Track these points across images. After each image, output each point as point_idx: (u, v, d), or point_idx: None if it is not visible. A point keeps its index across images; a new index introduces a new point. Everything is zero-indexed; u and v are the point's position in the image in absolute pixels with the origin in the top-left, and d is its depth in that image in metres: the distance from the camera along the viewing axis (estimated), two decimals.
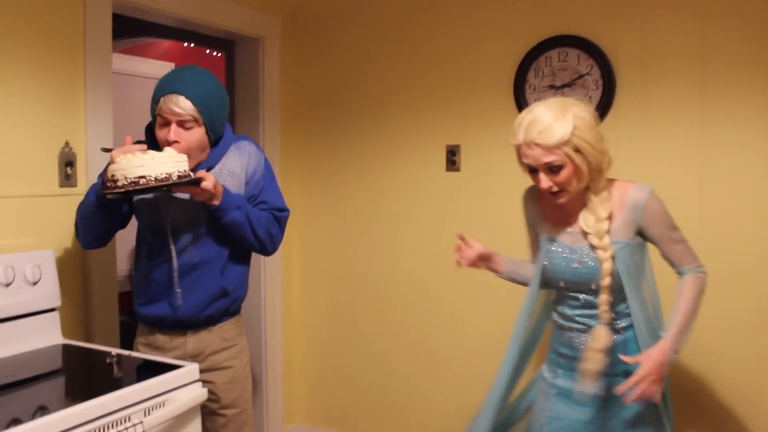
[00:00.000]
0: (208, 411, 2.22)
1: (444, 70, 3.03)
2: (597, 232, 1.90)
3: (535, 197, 2.10)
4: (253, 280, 3.25)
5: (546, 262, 2.03)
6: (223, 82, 3.34)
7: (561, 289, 2.03)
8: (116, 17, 2.54)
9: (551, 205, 2.02)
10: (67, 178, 2.33)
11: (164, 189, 1.93)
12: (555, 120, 1.81)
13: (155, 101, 2.06)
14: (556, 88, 2.72)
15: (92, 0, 2.37)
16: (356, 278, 3.33)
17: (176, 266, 2.14)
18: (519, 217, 2.89)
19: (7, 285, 2.05)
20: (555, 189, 1.88)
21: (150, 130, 2.15)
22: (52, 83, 2.30)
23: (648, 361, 1.84)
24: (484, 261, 2.17)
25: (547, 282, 2.06)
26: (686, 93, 2.50)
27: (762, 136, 2.40)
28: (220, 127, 2.16)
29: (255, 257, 3.16)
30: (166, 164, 1.91)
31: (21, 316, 2.09)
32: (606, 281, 1.89)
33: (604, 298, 1.91)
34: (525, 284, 2.19)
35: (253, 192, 2.22)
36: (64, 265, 2.33)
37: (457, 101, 3.00)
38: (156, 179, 1.88)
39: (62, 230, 2.34)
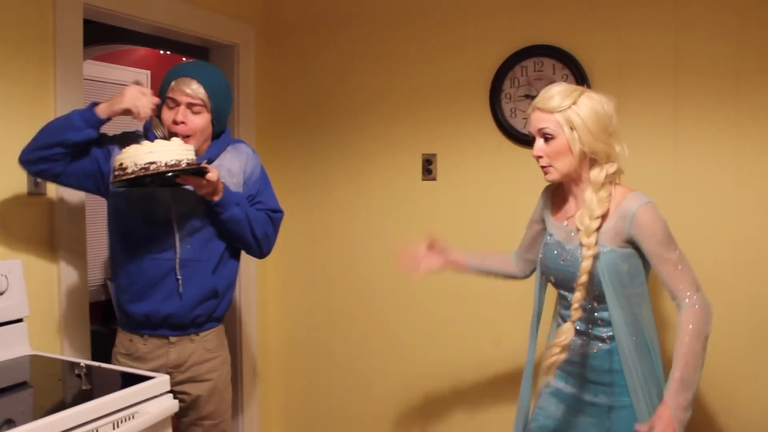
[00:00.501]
0: (185, 422, 2.19)
1: (420, 79, 3.03)
2: (586, 229, 1.86)
3: (552, 189, 2.11)
4: None
5: (541, 255, 2.04)
6: None
7: (555, 287, 2.03)
8: (90, 24, 2.51)
9: (560, 198, 2.03)
10: (36, 186, 2.28)
11: (170, 177, 1.94)
12: (560, 92, 1.86)
13: (167, 85, 2.10)
14: (532, 98, 2.72)
15: (62, 5, 2.33)
16: (332, 287, 3.30)
17: (180, 256, 2.11)
18: (495, 225, 2.91)
19: None
20: (543, 162, 1.90)
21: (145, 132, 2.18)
22: (20, 90, 2.25)
23: (659, 423, 1.72)
24: (442, 259, 2.20)
25: (544, 277, 2.07)
26: (661, 104, 2.53)
27: (733, 147, 2.43)
28: (224, 121, 2.21)
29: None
30: (176, 151, 1.93)
31: None
32: (582, 279, 1.85)
33: (577, 295, 1.87)
34: (496, 275, 2.23)
35: (250, 192, 2.24)
36: (33, 274, 2.28)
37: (433, 110, 3.00)
38: (166, 164, 1.89)
39: (31, 238, 2.29)
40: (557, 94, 1.86)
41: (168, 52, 4.94)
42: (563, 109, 1.84)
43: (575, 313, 1.88)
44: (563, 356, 1.88)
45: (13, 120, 2.22)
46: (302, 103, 3.33)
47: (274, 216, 2.31)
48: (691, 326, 1.77)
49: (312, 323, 3.38)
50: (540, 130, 1.89)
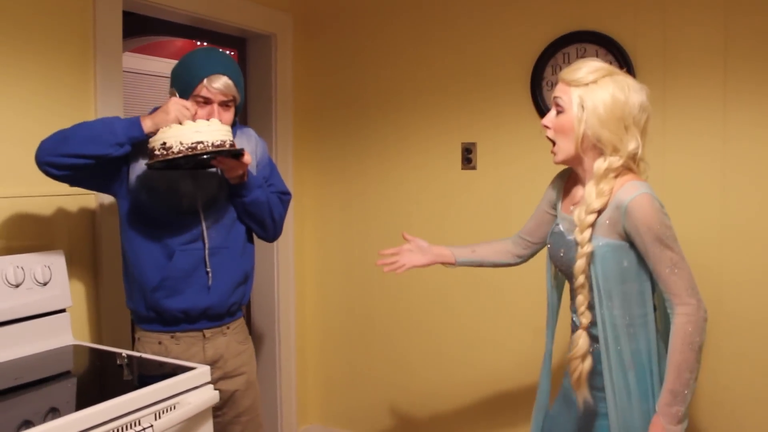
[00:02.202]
0: (221, 422, 2.15)
1: (460, 67, 2.98)
2: (580, 224, 1.73)
3: (566, 176, 1.98)
4: (266, 278, 3.25)
5: (548, 245, 1.95)
6: None
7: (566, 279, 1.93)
8: (128, 15, 2.51)
9: (571, 186, 1.91)
10: None
11: (206, 158, 1.91)
12: (588, 67, 1.74)
13: (196, 82, 2.02)
14: None
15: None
16: (370, 276, 3.28)
17: (208, 245, 2.07)
18: None
19: (17, 286, 2.02)
20: (550, 134, 1.80)
21: None
22: (61, 83, 2.27)
23: None
24: (427, 256, 2.14)
25: (555, 268, 1.97)
26: (708, 88, 2.45)
27: None
28: (241, 109, 2.17)
29: (267, 251, 3.20)
30: (221, 132, 1.90)
31: (31, 317, 2.06)
32: (579, 280, 1.74)
33: (580, 299, 1.77)
34: (488, 266, 2.16)
35: (263, 175, 2.22)
36: (74, 265, 2.31)
37: (472, 98, 2.95)
38: (213, 145, 1.86)
39: (73, 231, 2.31)
40: (584, 68, 1.74)
41: (205, 44, 4.97)
42: (581, 84, 1.72)
43: (584, 318, 1.77)
44: (587, 365, 1.78)
45: (53, 113, 2.24)
46: (339, 92, 3.31)
47: (284, 198, 2.30)
48: (684, 336, 1.63)
49: (350, 313, 3.37)
50: (554, 98, 1.79)
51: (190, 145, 1.83)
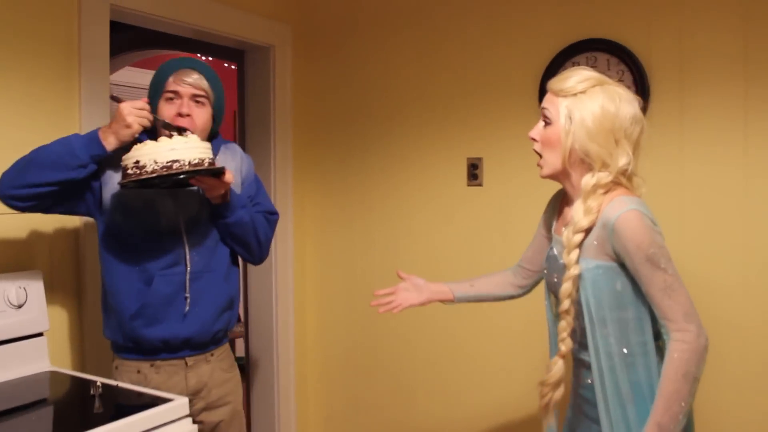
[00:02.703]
0: None
1: (464, 79, 2.85)
2: (568, 245, 1.61)
3: (561, 194, 1.86)
4: (263, 301, 3.12)
5: (544, 269, 1.82)
6: (235, 94, 3.22)
7: None
8: (129, 29, 2.41)
9: (565, 205, 1.78)
10: None
11: (184, 177, 1.77)
12: (578, 77, 1.62)
13: (162, 81, 1.93)
14: None
15: (88, 6, 2.24)
16: (373, 297, 3.14)
17: (190, 269, 1.93)
18: None
19: None
20: (537, 147, 1.69)
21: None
22: (42, 96, 2.16)
23: None
24: (424, 294, 2.01)
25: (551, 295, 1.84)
26: (728, 97, 2.29)
27: None
28: (220, 118, 2.05)
29: (264, 273, 3.08)
30: (198, 149, 1.76)
31: (5, 341, 1.95)
32: (564, 304, 1.62)
33: (562, 324, 1.65)
34: (490, 300, 2.03)
35: (248, 194, 2.09)
36: (55, 287, 2.19)
37: (479, 112, 2.82)
38: (190, 164, 1.72)
39: (54, 250, 2.20)
40: (574, 77, 1.62)
41: (209, 57, 4.90)
42: (569, 94, 1.61)
43: (563, 345, 1.66)
44: (558, 394, 1.68)
45: (33, 129, 2.12)
46: (341, 106, 3.19)
47: (271, 218, 2.17)
48: (678, 364, 1.49)
49: (353, 341, 3.22)
50: (541, 109, 1.68)
51: (164, 164, 1.70)
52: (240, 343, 4.63)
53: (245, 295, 3.22)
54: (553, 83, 1.66)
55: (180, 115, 1.91)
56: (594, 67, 2.48)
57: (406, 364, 3.07)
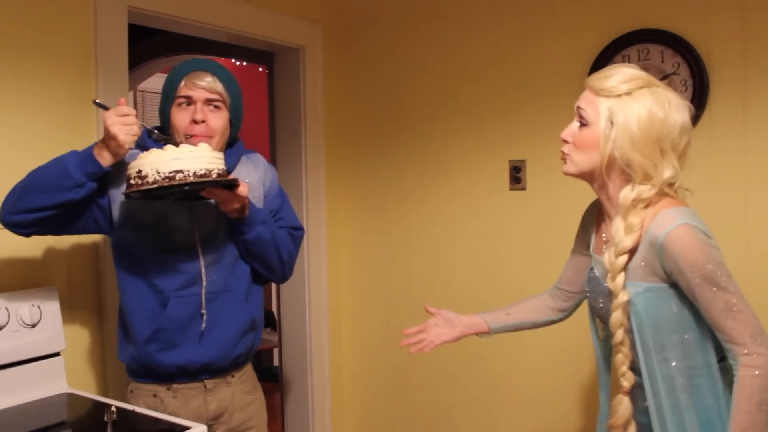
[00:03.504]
0: None
1: (505, 76, 2.67)
2: (612, 269, 1.45)
3: (597, 206, 1.68)
4: (297, 318, 2.99)
5: (587, 292, 1.64)
6: (265, 98, 3.10)
7: None
8: (160, 34, 2.31)
9: (602, 219, 1.61)
10: None
11: (194, 189, 1.64)
12: (622, 75, 1.45)
13: (174, 85, 1.79)
14: None
15: (104, 7, 2.14)
16: (412, 309, 2.98)
17: (207, 289, 1.79)
18: None
19: (0, 328, 1.81)
20: (566, 149, 1.52)
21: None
22: (58, 104, 2.07)
23: None
24: (457, 329, 1.82)
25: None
26: None
27: None
28: (239, 124, 1.90)
29: (297, 288, 2.95)
30: (206, 159, 1.61)
31: (17, 363, 1.85)
32: (618, 336, 1.46)
33: (620, 357, 1.49)
34: (529, 328, 1.85)
35: (271, 208, 1.94)
36: (75, 305, 2.10)
37: (521, 111, 2.64)
38: (195, 174, 1.58)
39: (73, 267, 2.10)
40: (617, 75, 1.45)
41: (244, 63, 4.81)
42: (612, 94, 1.43)
43: (625, 381, 1.50)
44: None
45: (49, 136, 2.03)
46: (375, 108, 3.04)
47: (296, 234, 2.00)
48: (751, 392, 1.34)
49: (390, 351, 3.06)
50: (577, 108, 1.50)
51: (167, 174, 1.57)
52: (276, 352, 4.54)
53: (278, 307, 3.10)
54: (594, 80, 1.48)
55: (194, 122, 1.77)
56: (646, 60, 2.31)
57: (444, 382, 2.90)
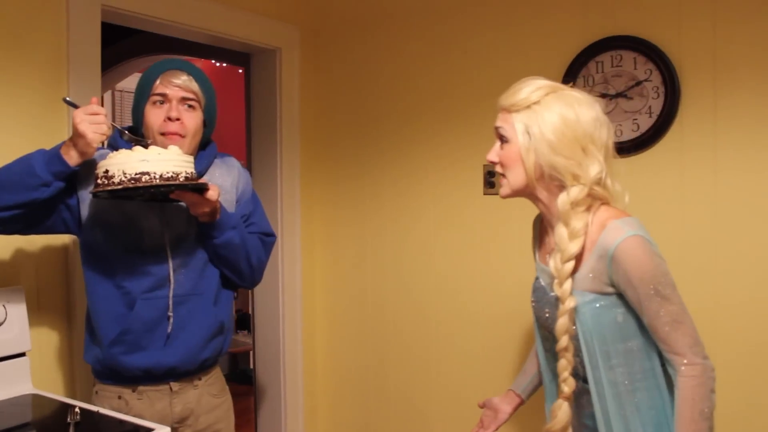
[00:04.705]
0: None
1: (480, 82, 2.68)
2: (559, 275, 1.46)
3: (539, 218, 1.72)
4: (271, 323, 2.97)
5: (532, 302, 1.66)
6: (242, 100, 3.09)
7: None
8: (138, 33, 2.29)
9: (544, 230, 1.64)
10: None
11: (162, 191, 1.63)
12: (527, 87, 1.50)
13: (149, 83, 1.78)
14: (610, 98, 2.34)
15: (77, 6, 2.12)
16: (386, 315, 2.98)
17: (174, 292, 1.78)
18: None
19: None
20: (498, 169, 1.55)
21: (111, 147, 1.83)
22: (31, 100, 2.05)
23: None
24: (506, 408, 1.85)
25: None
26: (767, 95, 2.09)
27: None
28: (212, 125, 1.89)
29: (271, 291, 2.94)
30: (173, 162, 1.61)
31: None
32: (562, 342, 1.48)
33: (563, 363, 1.51)
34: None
35: (243, 212, 1.93)
36: (43, 305, 2.08)
37: (495, 115, 2.63)
38: (161, 177, 1.57)
39: (42, 267, 2.08)
40: (523, 88, 1.50)
41: (224, 64, 4.79)
42: (521, 108, 1.48)
43: (566, 386, 1.51)
44: None
45: (22, 135, 2.02)
46: (351, 111, 3.04)
47: (267, 240, 2.00)
48: (693, 403, 1.39)
49: (364, 357, 3.06)
50: (496, 129, 1.55)
51: (133, 176, 1.56)
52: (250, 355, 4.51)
53: (252, 310, 3.09)
54: (503, 99, 1.54)
55: (169, 119, 1.76)
56: (619, 66, 2.32)
57: (419, 385, 2.89)
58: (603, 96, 2.34)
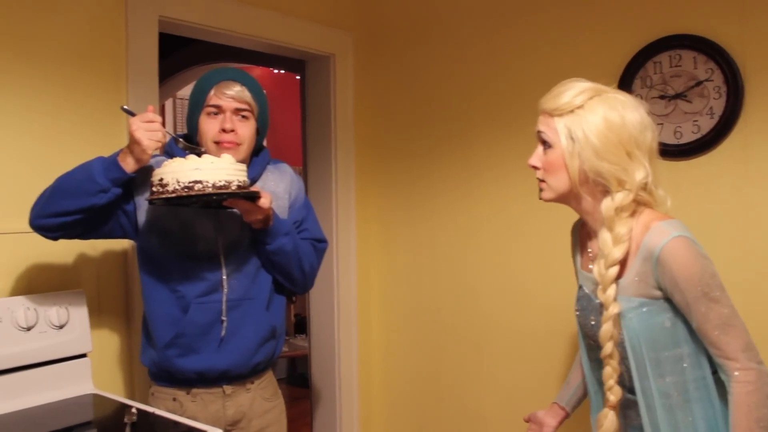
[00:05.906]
0: None
1: (536, 84, 2.61)
2: (602, 281, 1.43)
3: (579, 225, 1.69)
4: (326, 327, 2.99)
5: (577, 312, 1.61)
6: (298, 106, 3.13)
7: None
8: (198, 43, 2.35)
9: (586, 236, 1.60)
10: None
11: (215, 199, 1.66)
12: (570, 91, 1.45)
13: (203, 94, 1.82)
14: (669, 98, 2.27)
15: (135, 19, 2.19)
16: (441, 323, 2.96)
17: (228, 296, 1.81)
18: None
19: (28, 329, 1.86)
20: (539, 174, 1.52)
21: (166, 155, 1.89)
22: (88, 108, 2.13)
23: None
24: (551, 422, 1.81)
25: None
26: None
27: None
28: (264, 132, 1.93)
29: (326, 296, 2.95)
30: (226, 170, 1.64)
31: (45, 363, 1.90)
32: (607, 349, 1.44)
33: (608, 370, 1.46)
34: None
35: (295, 218, 1.95)
36: (104, 308, 2.15)
37: None
38: (214, 186, 1.61)
39: (102, 270, 2.16)
40: (566, 91, 1.46)
41: (282, 71, 4.86)
42: (564, 112, 1.44)
43: (612, 395, 1.46)
44: None
45: (82, 138, 2.10)
46: (406, 117, 3.04)
47: (319, 246, 2.01)
48: (748, 410, 1.33)
49: (418, 359, 3.04)
50: (538, 133, 1.51)
51: (186, 184, 1.60)
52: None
53: (308, 314, 3.12)
54: (546, 102, 1.50)
55: (223, 130, 1.80)
56: (678, 66, 2.25)
57: (474, 394, 2.86)
58: (662, 98, 2.28)
